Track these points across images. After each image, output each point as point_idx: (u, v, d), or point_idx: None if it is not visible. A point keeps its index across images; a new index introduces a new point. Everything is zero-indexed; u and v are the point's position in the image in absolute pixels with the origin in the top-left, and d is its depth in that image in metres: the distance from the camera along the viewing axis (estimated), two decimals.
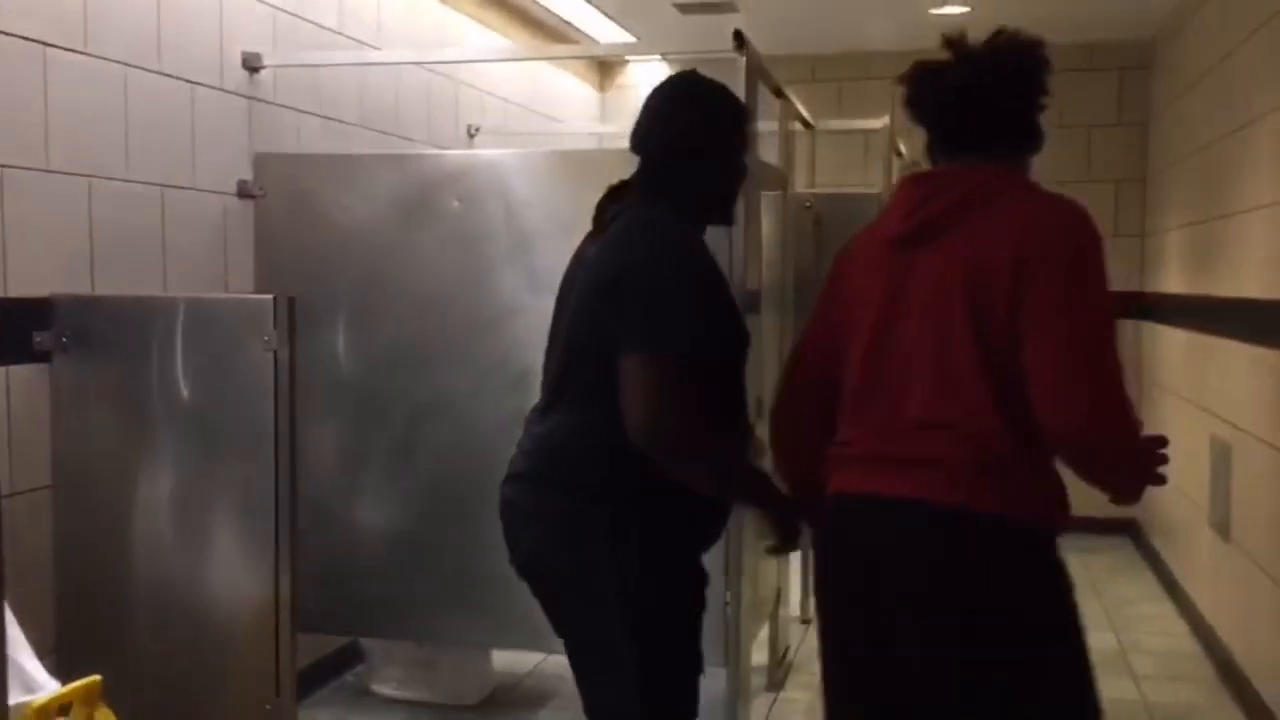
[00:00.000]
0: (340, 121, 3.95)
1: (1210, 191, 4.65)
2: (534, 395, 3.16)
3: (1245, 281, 4.03)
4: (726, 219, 2.29)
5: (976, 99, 1.84)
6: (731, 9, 5.48)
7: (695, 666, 2.20)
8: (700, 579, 2.23)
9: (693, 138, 2.15)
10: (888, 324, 1.82)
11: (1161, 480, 1.83)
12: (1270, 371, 3.66)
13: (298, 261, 3.42)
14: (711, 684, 2.80)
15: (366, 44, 4.13)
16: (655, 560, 2.08)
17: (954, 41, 1.88)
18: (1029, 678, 1.74)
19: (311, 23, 3.79)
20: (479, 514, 3.33)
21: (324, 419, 3.40)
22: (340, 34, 3.95)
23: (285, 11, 3.64)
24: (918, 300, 1.79)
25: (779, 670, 3.90)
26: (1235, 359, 4.12)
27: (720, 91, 2.21)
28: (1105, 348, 1.71)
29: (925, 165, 1.97)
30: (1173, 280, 5.44)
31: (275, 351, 2.62)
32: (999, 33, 1.86)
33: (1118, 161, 6.33)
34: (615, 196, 2.22)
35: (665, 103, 2.21)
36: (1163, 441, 1.84)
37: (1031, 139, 1.91)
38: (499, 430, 3.28)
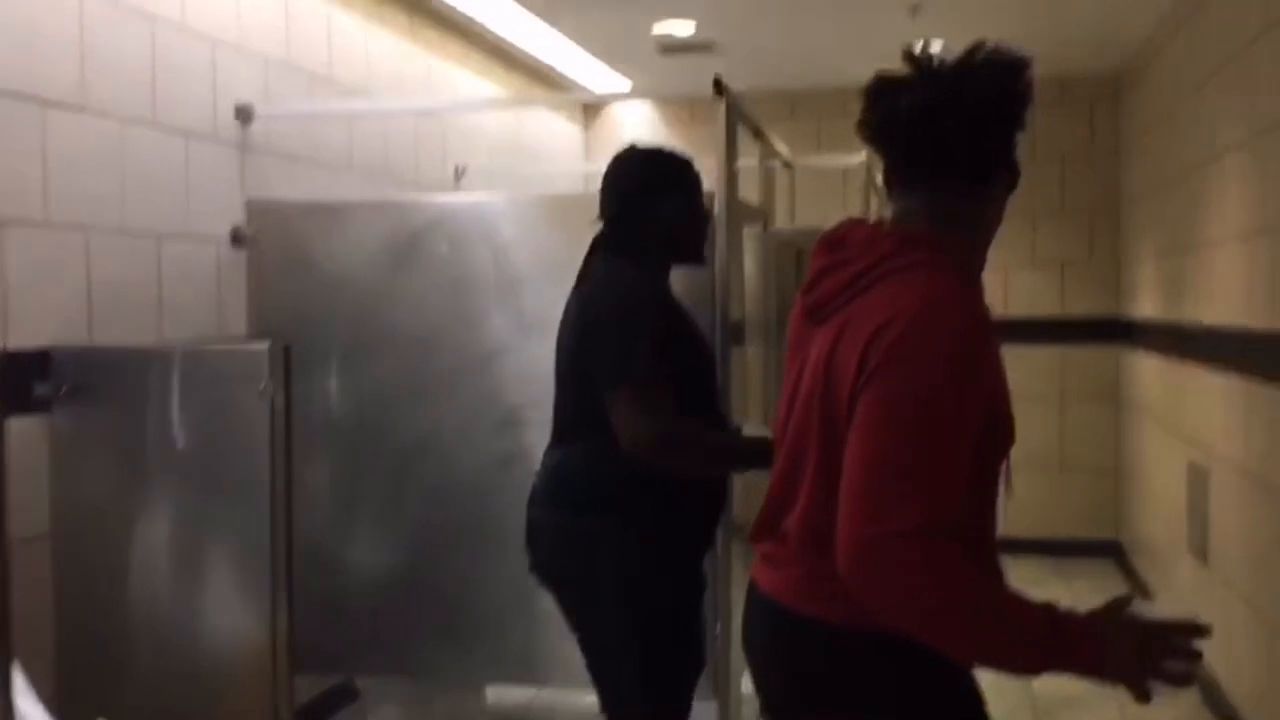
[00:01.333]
0: (330, 166, 4.03)
1: (1182, 221, 4.76)
2: (522, 434, 3.29)
3: (1217, 310, 4.13)
4: (693, 260, 2.65)
5: (931, 123, 1.57)
6: (710, 49, 5.59)
7: (696, 665, 2.59)
8: (699, 583, 2.61)
9: (638, 202, 2.58)
10: (790, 409, 1.68)
11: (1187, 680, 1.45)
12: (1243, 399, 3.75)
13: (290, 306, 3.48)
14: (701, 716, 2.89)
15: (356, 90, 4.21)
16: (654, 565, 2.47)
17: (916, 56, 1.62)
18: None
19: (303, 69, 3.87)
20: (470, 551, 3.40)
21: (316, 460, 3.45)
22: (330, 80, 4.03)
23: (276, 61, 3.72)
24: (804, 388, 1.63)
25: None
26: (1210, 386, 4.21)
27: (662, 160, 2.63)
28: (906, 480, 1.43)
29: (884, 198, 1.84)
30: (1148, 306, 5.55)
31: (271, 399, 2.68)
32: (976, 48, 1.60)
33: (1090, 191, 6.46)
34: (595, 251, 2.63)
35: (615, 174, 2.63)
36: (1193, 630, 1.48)
37: (996, 174, 1.63)
38: (487, 469, 3.35)
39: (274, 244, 3.51)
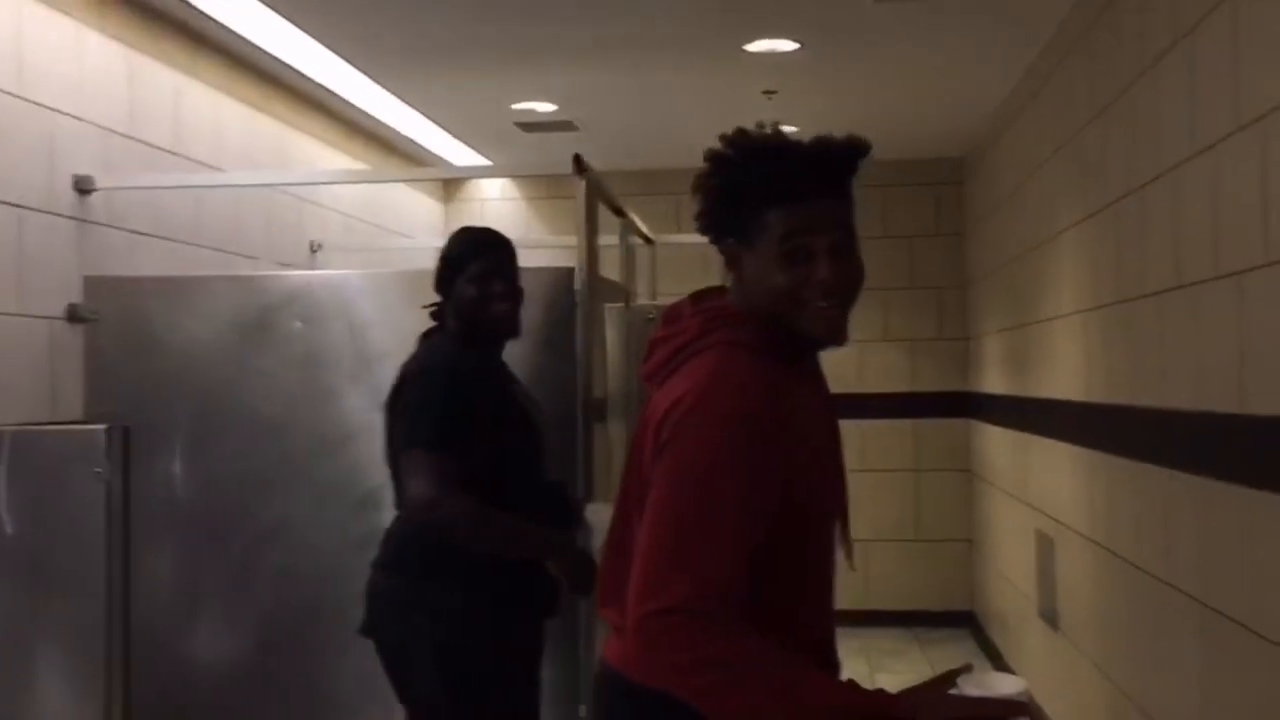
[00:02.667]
0: (177, 241, 3.90)
1: (1022, 300, 4.97)
2: (379, 517, 3.19)
3: (1057, 384, 4.30)
4: (503, 334, 2.71)
5: (699, 189, 1.64)
6: (571, 128, 5.65)
7: None
8: (528, 650, 2.64)
9: (439, 276, 2.70)
10: (626, 477, 1.69)
11: None
12: (1085, 469, 3.90)
13: (131, 386, 3.33)
14: None
15: (204, 163, 4.10)
16: (472, 631, 2.51)
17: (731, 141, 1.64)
18: None
19: (146, 144, 3.75)
20: (320, 640, 3.26)
21: (159, 547, 3.28)
22: (176, 154, 3.92)
23: (118, 133, 3.60)
24: (633, 453, 1.66)
25: None
26: (1054, 456, 4.37)
27: (458, 239, 2.73)
28: (676, 558, 1.46)
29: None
30: (994, 381, 5.75)
31: (108, 482, 2.54)
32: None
33: (939, 270, 6.71)
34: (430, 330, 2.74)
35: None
36: (1012, 709, 1.46)
37: (737, 231, 1.61)
38: (342, 553, 3.23)
39: (114, 321, 3.36)
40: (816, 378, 1.70)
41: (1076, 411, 4.00)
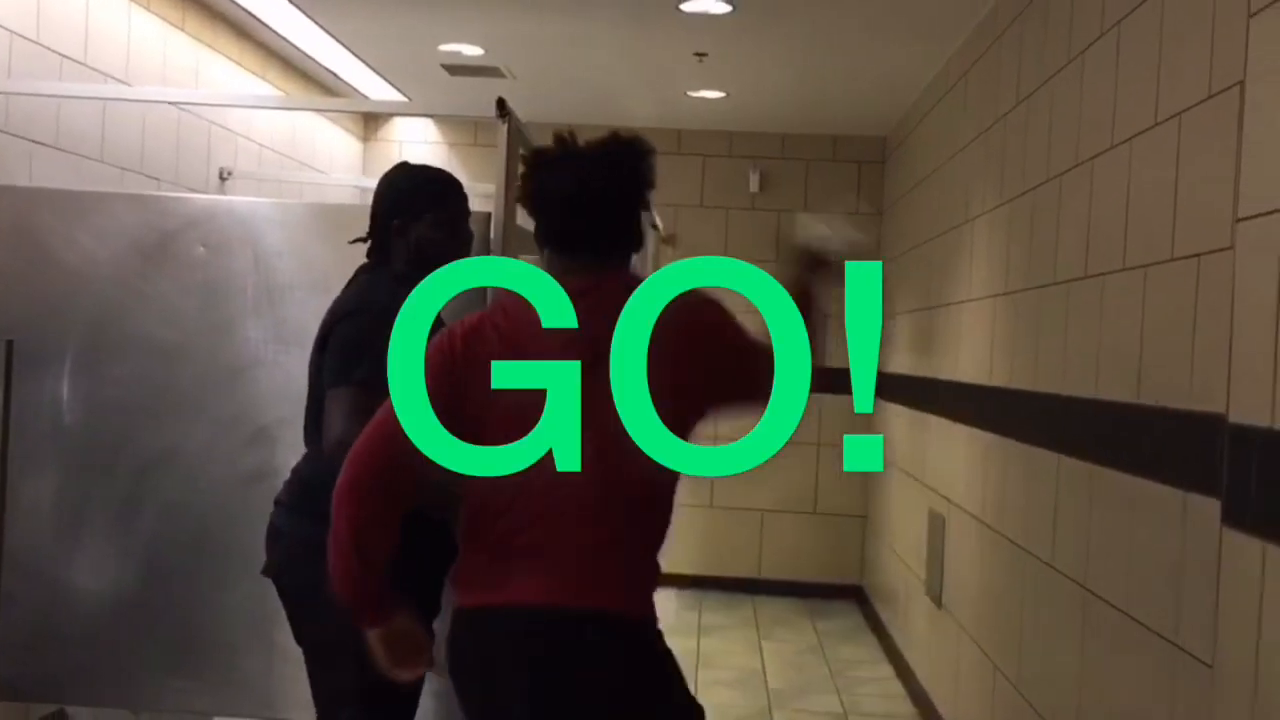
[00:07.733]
0: (79, 155, 3.74)
1: (933, 281, 5.04)
2: (272, 452, 3.13)
3: (961, 367, 4.37)
4: None
5: (586, 199, 1.99)
6: (498, 74, 5.56)
7: (416, 686, 2.51)
8: (431, 602, 2.56)
9: (391, 212, 2.56)
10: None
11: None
12: (980, 451, 3.97)
13: (20, 301, 3.19)
14: None
15: (113, 77, 3.94)
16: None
17: (563, 139, 2.04)
18: None
19: (53, 51, 3.59)
20: (205, 575, 3.19)
21: (40, 469, 3.17)
22: (84, 64, 3.76)
23: (23, 37, 3.44)
24: None
25: None
26: (951, 438, 4.45)
27: (416, 179, 2.62)
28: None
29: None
30: (900, 361, 5.83)
31: None
32: (613, 136, 2.04)
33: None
34: (362, 268, 2.61)
35: (376, 192, 2.62)
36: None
37: (635, 242, 2.08)
38: (231, 488, 3.16)
39: (6, 232, 3.21)
40: None
41: (977, 395, 4.06)
